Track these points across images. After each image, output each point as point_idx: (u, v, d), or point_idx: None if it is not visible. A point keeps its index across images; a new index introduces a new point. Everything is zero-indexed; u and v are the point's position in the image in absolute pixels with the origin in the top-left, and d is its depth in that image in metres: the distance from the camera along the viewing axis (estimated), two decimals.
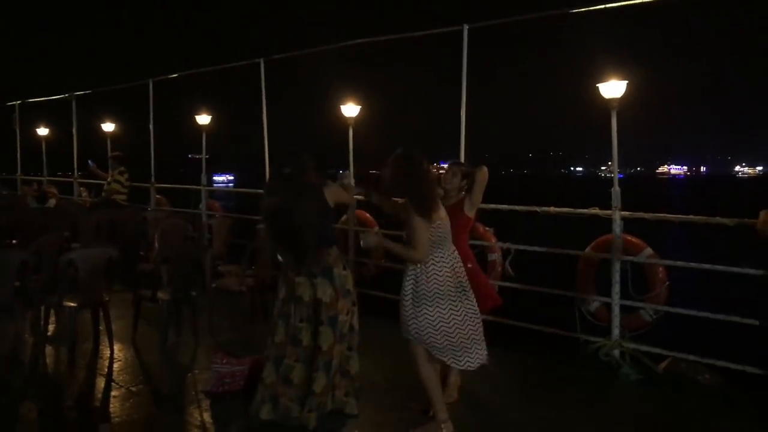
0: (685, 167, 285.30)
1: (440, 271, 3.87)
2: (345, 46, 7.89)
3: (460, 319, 3.87)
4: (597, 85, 5.46)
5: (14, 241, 8.68)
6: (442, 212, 3.95)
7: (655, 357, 5.30)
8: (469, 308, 3.92)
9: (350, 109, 7.78)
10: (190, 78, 10.74)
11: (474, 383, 4.84)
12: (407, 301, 3.89)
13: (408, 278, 3.91)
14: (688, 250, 6.35)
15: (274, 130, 9.11)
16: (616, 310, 5.52)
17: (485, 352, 3.99)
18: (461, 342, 3.86)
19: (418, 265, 3.87)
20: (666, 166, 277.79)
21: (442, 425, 3.97)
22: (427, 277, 3.85)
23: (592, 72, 5.54)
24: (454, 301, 3.87)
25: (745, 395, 4.73)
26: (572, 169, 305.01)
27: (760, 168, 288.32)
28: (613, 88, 5.39)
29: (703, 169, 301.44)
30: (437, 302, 3.83)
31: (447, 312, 3.83)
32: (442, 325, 3.82)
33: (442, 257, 3.90)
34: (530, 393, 4.83)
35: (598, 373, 5.24)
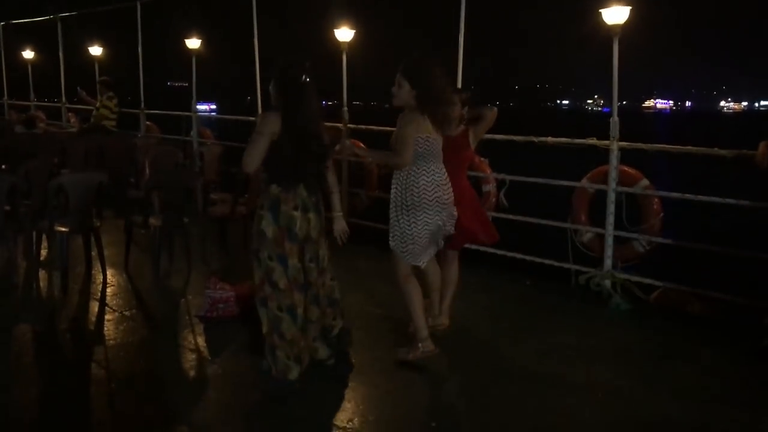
0: (671, 102, 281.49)
1: (428, 185, 3.90)
2: None
3: (432, 229, 3.95)
4: (600, 10, 5.30)
5: (3, 167, 8.57)
6: (438, 132, 3.96)
7: (646, 288, 5.35)
8: (445, 220, 4.00)
9: (344, 33, 7.56)
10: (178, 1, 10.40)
11: (465, 310, 4.88)
12: (392, 208, 3.99)
13: (394, 187, 3.98)
14: (682, 183, 6.35)
15: (264, 57, 8.88)
16: (609, 240, 5.53)
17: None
18: (424, 246, 3.98)
19: (407, 176, 3.90)
20: (652, 100, 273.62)
21: (420, 344, 4.00)
22: (415, 189, 3.89)
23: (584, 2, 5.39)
24: (431, 215, 3.92)
25: (732, 325, 4.79)
26: (558, 102, 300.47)
27: (744, 103, 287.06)
28: (615, 14, 5.23)
29: (688, 103, 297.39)
30: (414, 213, 3.90)
31: (421, 222, 3.91)
32: (414, 234, 3.91)
33: (429, 171, 3.92)
34: (520, 322, 4.88)
35: (588, 303, 5.29)
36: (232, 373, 3.92)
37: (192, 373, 4.00)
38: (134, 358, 4.14)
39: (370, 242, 6.50)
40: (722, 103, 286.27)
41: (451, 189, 4.02)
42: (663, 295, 5.25)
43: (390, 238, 4.02)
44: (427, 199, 3.90)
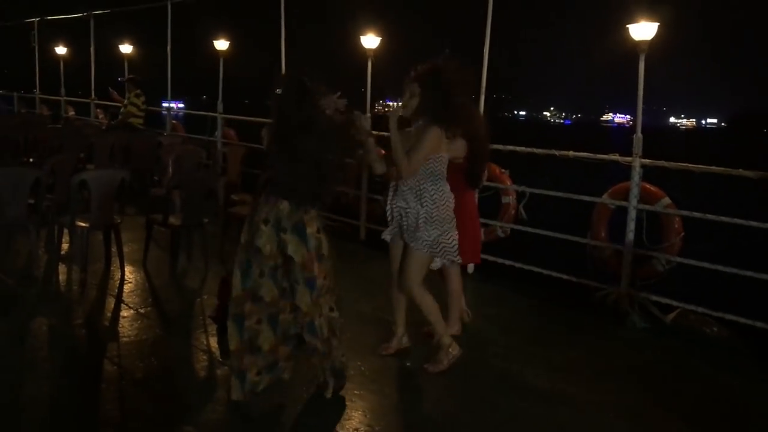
0: (628, 116, 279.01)
1: (450, 201, 3.93)
2: None
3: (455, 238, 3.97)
4: (627, 26, 5.25)
5: (30, 160, 8.73)
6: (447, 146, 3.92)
7: (665, 307, 5.27)
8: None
9: (370, 41, 7.58)
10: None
11: (478, 322, 4.86)
12: (421, 220, 3.87)
13: (426, 201, 3.86)
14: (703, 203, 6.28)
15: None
16: (628, 258, 5.45)
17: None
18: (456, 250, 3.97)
19: (439, 192, 3.86)
20: (609, 114, 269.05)
21: (449, 349, 4.01)
22: (443, 204, 3.88)
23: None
24: (449, 228, 3.93)
25: (751, 349, 4.70)
26: (516, 113, 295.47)
27: (693, 120, 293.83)
28: (643, 30, 5.18)
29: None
30: (446, 225, 3.90)
31: (451, 232, 3.94)
32: (450, 240, 3.93)
33: (446, 188, 3.93)
34: (534, 336, 4.83)
35: (605, 320, 5.22)
36: None
37: (202, 373, 4.02)
38: (146, 356, 4.16)
39: (385, 248, 6.47)
40: (672, 119, 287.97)
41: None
42: (681, 316, 5.16)
43: (420, 247, 3.89)
44: (446, 216, 3.91)
